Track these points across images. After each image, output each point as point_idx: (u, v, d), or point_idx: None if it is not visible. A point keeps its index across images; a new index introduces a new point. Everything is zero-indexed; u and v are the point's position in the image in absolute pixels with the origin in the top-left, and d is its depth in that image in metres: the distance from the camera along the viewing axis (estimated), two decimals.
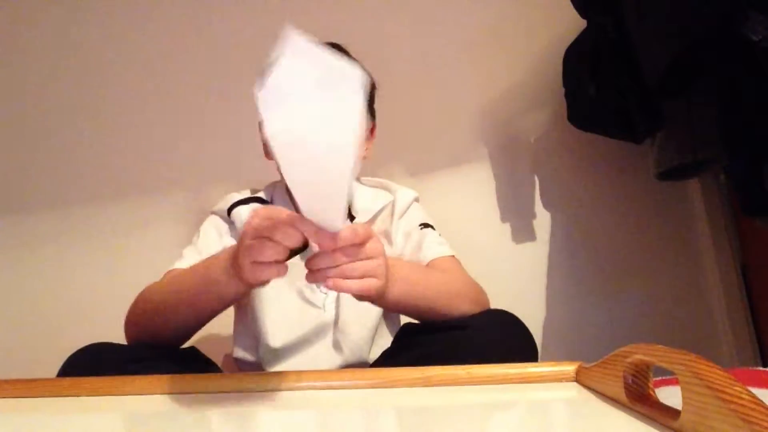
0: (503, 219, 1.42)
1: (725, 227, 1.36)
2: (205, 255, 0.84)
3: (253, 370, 0.90)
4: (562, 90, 1.33)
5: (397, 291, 0.68)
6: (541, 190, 1.44)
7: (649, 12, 1.05)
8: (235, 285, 0.63)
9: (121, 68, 1.49)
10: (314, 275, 0.57)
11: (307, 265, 0.57)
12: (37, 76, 1.50)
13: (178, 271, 0.83)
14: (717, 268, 1.35)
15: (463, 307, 0.76)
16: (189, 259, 0.86)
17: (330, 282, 0.57)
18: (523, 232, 1.41)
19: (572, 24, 1.29)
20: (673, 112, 1.13)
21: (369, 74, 0.94)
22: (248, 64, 1.43)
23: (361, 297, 0.63)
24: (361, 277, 0.58)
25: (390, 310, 0.76)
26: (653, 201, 1.40)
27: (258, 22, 1.48)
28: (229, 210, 0.92)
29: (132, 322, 0.77)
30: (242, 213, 0.90)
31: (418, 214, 0.97)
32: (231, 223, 0.92)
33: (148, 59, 1.49)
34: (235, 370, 0.94)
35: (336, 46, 0.91)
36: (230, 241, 0.90)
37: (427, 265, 0.87)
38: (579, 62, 1.27)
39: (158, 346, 0.73)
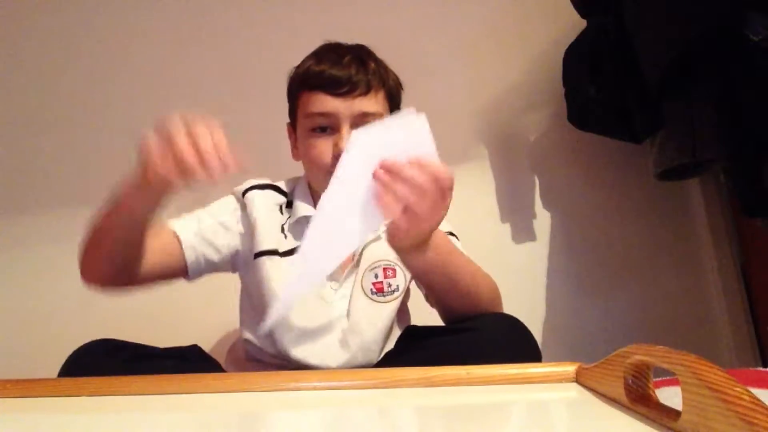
0: (503, 219, 1.42)
1: (725, 227, 1.36)
2: (204, 220, 0.88)
3: (262, 353, 0.88)
4: (562, 90, 1.33)
5: (432, 254, 0.71)
6: (541, 190, 1.44)
7: (649, 12, 1.05)
8: (141, 192, 0.66)
9: (131, 64, 1.49)
10: (389, 203, 0.61)
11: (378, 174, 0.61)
12: (37, 75, 1.50)
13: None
14: (717, 268, 1.35)
15: (484, 294, 0.76)
16: (183, 219, 0.88)
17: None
18: (523, 232, 1.41)
19: (572, 24, 1.29)
20: (673, 112, 1.13)
21: (395, 75, 0.95)
22: (255, 67, 1.44)
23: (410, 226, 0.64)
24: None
25: (418, 267, 0.73)
26: (653, 201, 1.41)
27: (265, 20, 1.48)
28: (245, 192, 0.92)
29: (84, 266, 0.78)
30: (255, 197, 0.90)
31: (444, 224, 0.96)
32: (243, 205, 0.91)
33: (160, 56, 1.49)
34: (241, 357, 0.92)
35: (362, 48, 0.91)
36: (234, 219, 0.90)
37: None
38: (579, 62, 1.27)
39: (157, 350, 0.74)
